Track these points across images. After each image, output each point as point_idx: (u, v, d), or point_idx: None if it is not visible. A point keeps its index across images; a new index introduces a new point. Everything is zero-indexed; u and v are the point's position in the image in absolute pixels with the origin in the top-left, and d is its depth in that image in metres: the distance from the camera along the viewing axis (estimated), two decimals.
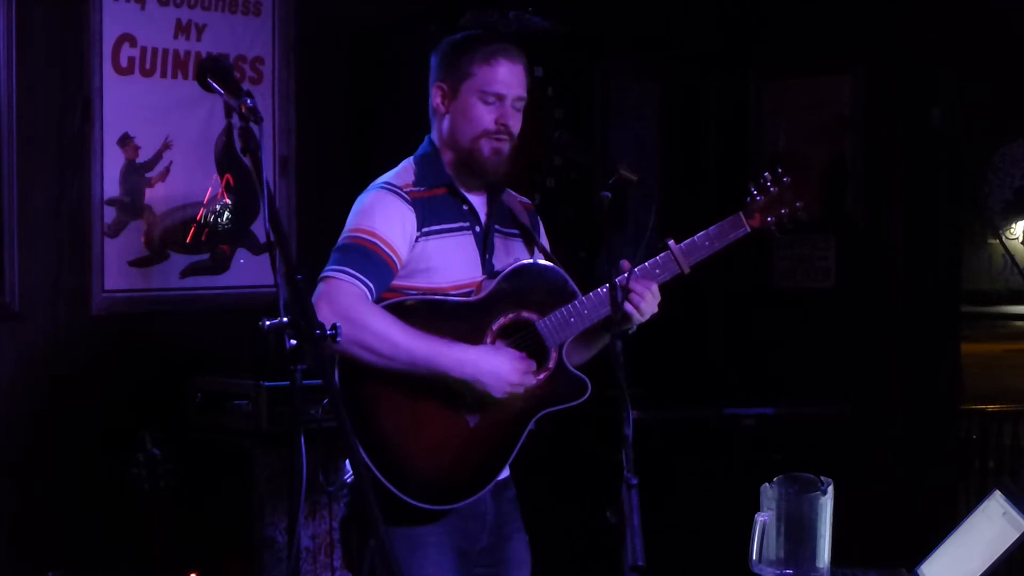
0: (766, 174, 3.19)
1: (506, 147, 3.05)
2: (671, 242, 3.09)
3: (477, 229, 3.09)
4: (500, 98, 3.03)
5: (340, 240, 2.99)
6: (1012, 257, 5.75)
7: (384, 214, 2.98)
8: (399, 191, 3.01)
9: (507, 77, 3.04)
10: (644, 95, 5.77)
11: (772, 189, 3.17)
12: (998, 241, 5.80)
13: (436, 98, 3.09)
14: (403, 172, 3.08)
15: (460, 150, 3.06)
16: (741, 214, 3.14)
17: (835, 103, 5.66)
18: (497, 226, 3.14)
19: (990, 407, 6.01)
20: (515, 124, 3.06)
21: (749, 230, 3.14)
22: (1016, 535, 2.82)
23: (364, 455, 2.85)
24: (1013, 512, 2.87)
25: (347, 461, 3.13)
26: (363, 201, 3.03)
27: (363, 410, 2.90)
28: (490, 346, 2.99)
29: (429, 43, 3.18)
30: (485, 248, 3.09)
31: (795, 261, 5.75)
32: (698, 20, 5.76)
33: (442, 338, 2.94)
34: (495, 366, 2.95)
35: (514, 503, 3.18)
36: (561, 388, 3.07)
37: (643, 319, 3.04)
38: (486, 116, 3.03)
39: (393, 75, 4.74)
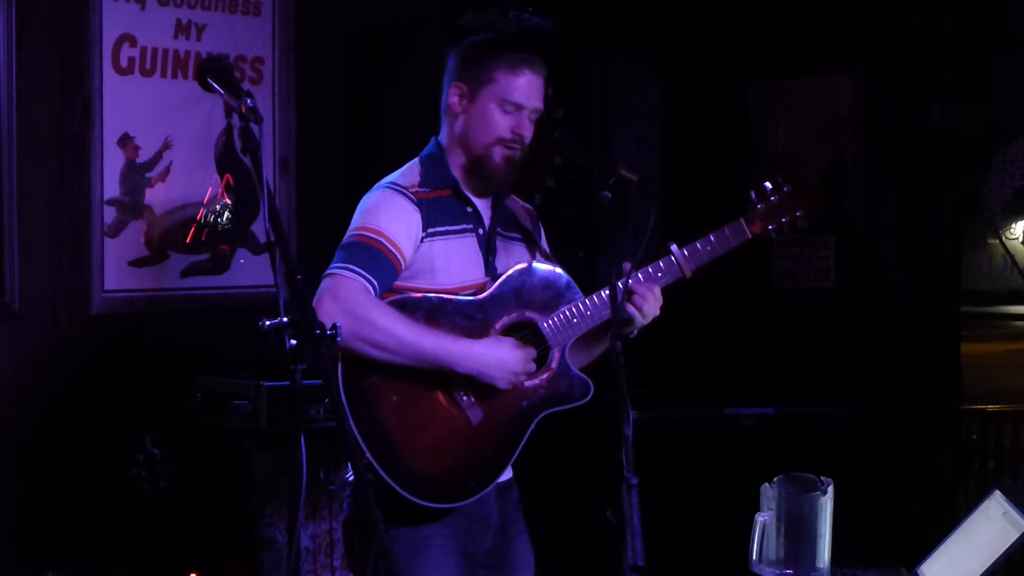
0: (766, 183, 3.21)
1: (518, 155, 3.05)
2: (673, 246, 3.10)
3: (480, 232, 3.09)
4: (519, 108, 3.03)
5: (345, 238, 2.98)
6: (1012, 257, 5.75)
7: (390, 213, 2.98)
8: (405, 191, 3.01)
9: (529, 88, 3.04)
10: (644, 95, 5.78)
11: (773, 198, 3.19)
12: (998, 241, 5.80)
13: (453, 97, 3.08)
14: (409, 173, 3.08)
15: (472, 154, 3.06)
16: (743, 221, 3.16)
17: (835, 103, 5.66)
18: (500, 229, 3.14)
19: (990, 407, 6.01)
20: (529, 135, 3.07)
21: (750, 236, 3.16)
22: (1016, 535, 2.82)
23: (368, 452, 2.86)
24: (1013, 512, 2.87)
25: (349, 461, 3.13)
26: (369, 200, 3.03)
27: (366, 408, 2.90)
28: (492, 339, 3.00)
29: (429, 43, 3.18)
30: (488, 251, 3.10)
31: (795, 261, 5.75)
32: (698, 20, 5.76)
33: (447, 333, 2.94)
34: (499, 358, 2.95)
35: (517, 505, 3.18)
36: (564, 388, 3.08)
37: (645, 322, 3.05)
38: (503, 124, 3.02)
39: (393, 75, 4.75)
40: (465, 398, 2.98)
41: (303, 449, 2.31)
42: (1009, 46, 5.27)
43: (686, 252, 3.10)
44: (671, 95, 5.84)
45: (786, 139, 5.79)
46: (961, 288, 5.71)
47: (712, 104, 5.99)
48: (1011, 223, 5.99)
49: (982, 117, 5.42)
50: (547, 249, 3.24)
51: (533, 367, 3.02)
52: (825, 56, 5.65)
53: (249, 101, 2.36)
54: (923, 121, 5.41)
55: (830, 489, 2.99)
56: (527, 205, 3.28)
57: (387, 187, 3.03)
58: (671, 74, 5.84)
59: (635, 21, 5.57)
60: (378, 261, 2.93)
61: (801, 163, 5.69)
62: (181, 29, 4.50)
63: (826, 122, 5.68)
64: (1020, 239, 6.21)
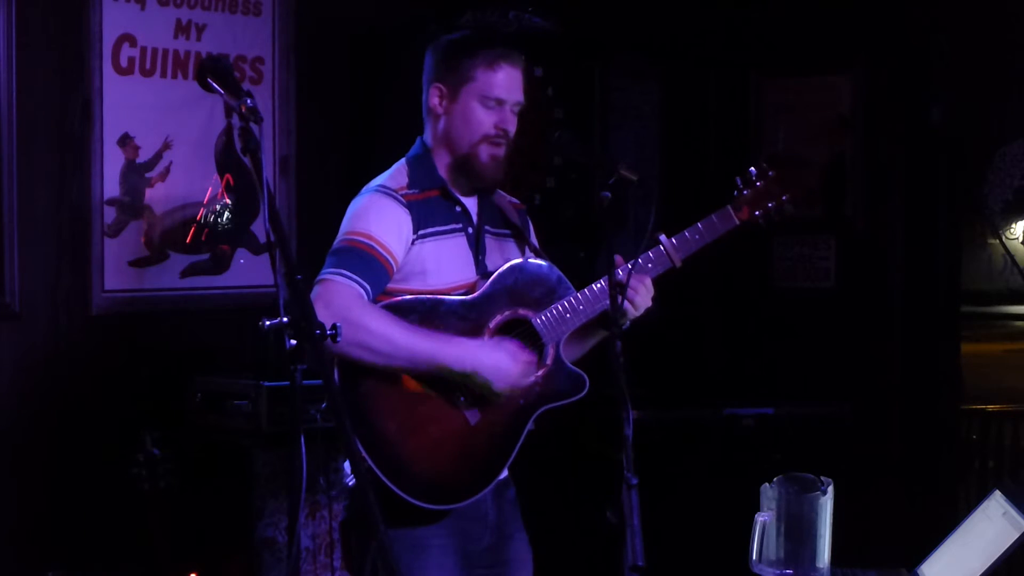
0: (752, 168, 3.23)
1: (503, 152, 3.06)
2: (662, 236, 3.11)
3: (469, 230, 3.09)
4: (501, 103, 3.04)
5: (335, 244, 2.98)
6: (1012, 257, 5.74)
7: (380, 217, 2.98)
8: (394, 194, 3.01)
9: (509, 82, 3.05)
10: (644, 95, 5.77)
11: (758, 183, 3.21)
12: (998, 241, 5.79)
13: (433, 98, 3.08)
14: (397, 175, 3.07)
15: (457, 154, 3.06)
16: (729, 207, 3.18)
17: (835, 103, 5.66)
18: (488, 227, 3.14)
19: (990, 407, 6.01)
20: (513, 129, 3.07)
21: (738, 223, 3.18)
22: (1016, 535, 2.82)
23: (366, 456, 2.85)
24: (1013, 512, 2.87)
25: (346, 463, 3.13)
26: (358, 204, 3.03)
27: (363, 410, 2.90)
28: (490, 339, 2.99)
29: (429, 43, 3.18)
30: (477, 249, 3.09)
31: (795, 261, 5.75)
32: (698, 20, 5.76)
33: (441, 333, 2.94)
34: (496, 359, 2.95)
35: (514, 503, 3.18)
36: (559, 384, 3.08)
37: (637, 313, 3.05)
38: (486, 121, 3.03)
39: (393, 75, 4.75)
40: (462, 399, 2.98)
41: (303, 449, 2.31)
42: (1009, 46, 5.27)
43: (675, 241, 3.12)
44: (671, 95, 5.84)
45: (786, 139, 5.79)
46: (961, 288, 5.71)
47: (712, 104, 5.99)
48: (1011, 223, 5.99)
49: (982, 117, 5.42)
50: (536, 244, 3.24)
51: (531, 373, 3.01)
52: (825, 56, 5.65)
53: (249, 101, 2.37)
54: (923, 121, 5.41)
55: (830, 489, 2.99)
56: (514, 200, 3.27)
57: (376, 191, 3.03)
58: (671, 74, 5.84)
59: (635, 21, 5.57)
60: (370, 266, 2.93)
61: (801, 163, 5.69)
62: (181, 29, 4.50)
63: (826, 122, 5.68)
64: (1020, 239, 6.21)
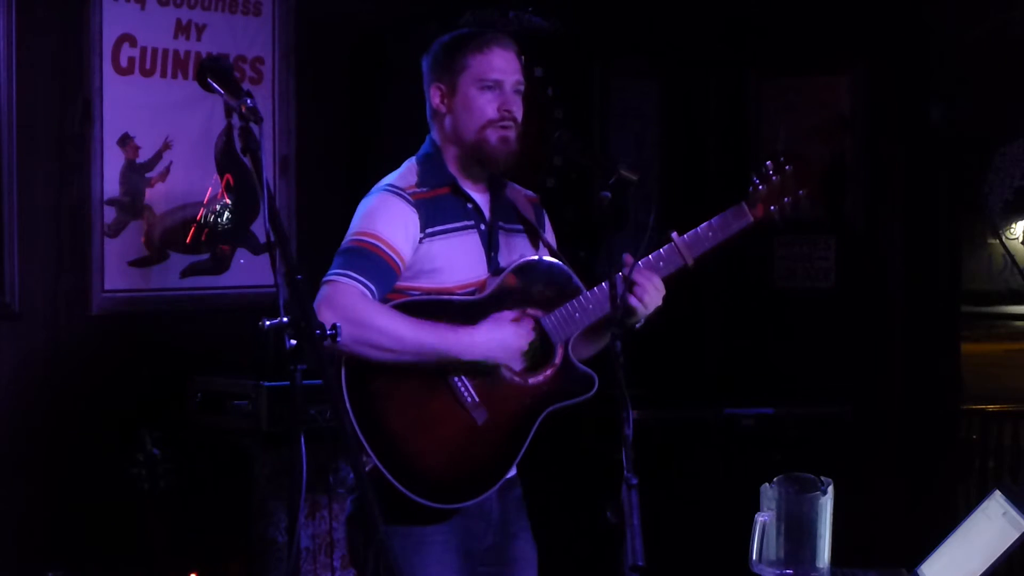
0: (768, 163, 3.18)
1: (512, 134, 3.04)
2: (674, 234, 3.08)
3: (482, 227, 3.09)
4: (499, 84, 3.03)
5: (343, 244, 2.98)
6: (1012, 257, 5.75)
7: (387, 217, 2.98)
8: (402, 193, 3.01)
9: (503, 63, 3.04)
10: (644, 95, 5.77)
11: (774, 177, 3.16)
12: (998, 241, 5.79)
13: (435, 99, 3.09)
14: (406, 173, 3.08)
15: (466, 144, 3.05)
16: (744, 204, 3.13)
17: (835, 103, 5.66)
18: (501, 222, 3.13)
19: (990, 407, 6.01)
20: (518, 110, 3.06)
21: (752, 220, 3.12)
22: (1016, 535, 2.82)
23: (374, 455, 2.86)
24: (1013, 512, 2.87)
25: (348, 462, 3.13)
26: (366, 205, 3.03)
27: (372, 410, 2.90)
28: (488, 321, 3.00)
29: (429, 43, 3.18)
30: (490, 246, 3.09)
31: (795, 261, 5.75)
32: (698, 20, 5.76)
33: (446, 324, 2.94)
34: (500, 339, 2.96)
35: (520, 502, 3.18)
36: (568, 384, 3.07)
37: (648, 312, 3.03)
38: (488, 106, 3.02)
39: (393, 75, 4.75)
40: (470, 399, 2.98)
41: (303, 449, 2.31)
42: (1009, 46, 5.27)
43: (687, 239, 3.08)
44: (671, 95, 5.84)
45: (786, 139, 5.79)
46: (961, 288, 5.71)
47: (712, 104, 5.99)
48: (1011, 223, 5.99)
49: (982, 117, 5.42)
50: (550, 238, 3.23)
51: (532, 335, 3.01)
52: (825, 56, 5.64)
53: (249, 101, 2.37)
54: (923, 121, 5.41)
55: (830, 489, 2.99)
56: (530, 193, 3.26)
57: (384, 190, 3.03)
58: (671, 74, 5.84)
59: (635, 21, 5.57)
60: (375, 265, 2.93)
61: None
62: (181, 29, 4.50)
63: (826, 122, 5.68)
64: (1020, 239, 6.21)
